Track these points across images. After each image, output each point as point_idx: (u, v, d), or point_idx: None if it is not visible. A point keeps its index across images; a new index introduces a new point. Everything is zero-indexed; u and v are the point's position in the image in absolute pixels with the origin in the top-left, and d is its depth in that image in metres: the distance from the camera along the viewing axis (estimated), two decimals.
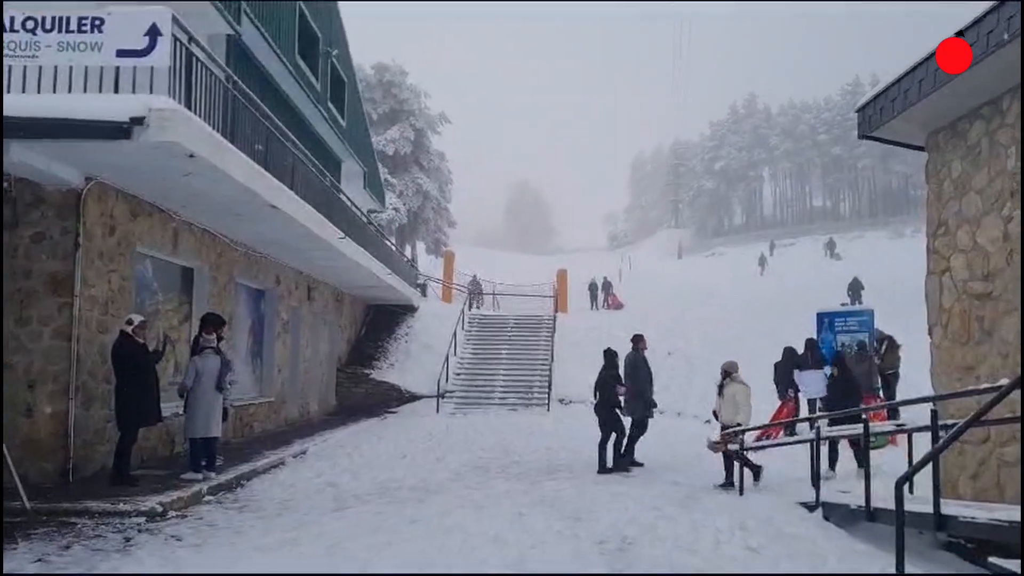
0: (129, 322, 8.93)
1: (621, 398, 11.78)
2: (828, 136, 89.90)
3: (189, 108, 8.46)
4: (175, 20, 8.23)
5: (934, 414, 5.43)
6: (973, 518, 4.90)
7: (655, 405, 12.35)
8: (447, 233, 45.25)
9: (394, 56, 43.32)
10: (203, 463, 9.41)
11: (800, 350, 15.15)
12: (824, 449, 9.87)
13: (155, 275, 11.34)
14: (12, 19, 7.95)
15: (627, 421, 11.80)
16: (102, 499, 7.73)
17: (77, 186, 8.91)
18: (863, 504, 6.62)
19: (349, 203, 18.43)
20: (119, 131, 7.55)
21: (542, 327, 25.46)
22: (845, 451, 11.35)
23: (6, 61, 7.94)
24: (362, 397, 21.76)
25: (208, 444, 9.54)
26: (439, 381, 20.82)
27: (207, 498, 8.71)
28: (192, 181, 9.36)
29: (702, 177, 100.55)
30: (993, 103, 6.94)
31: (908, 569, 4.74)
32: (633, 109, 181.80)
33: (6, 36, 7.89)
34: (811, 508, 7.80)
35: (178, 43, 8.45)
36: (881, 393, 14.60)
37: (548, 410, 19.55)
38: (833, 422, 9.73)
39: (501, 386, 21.48)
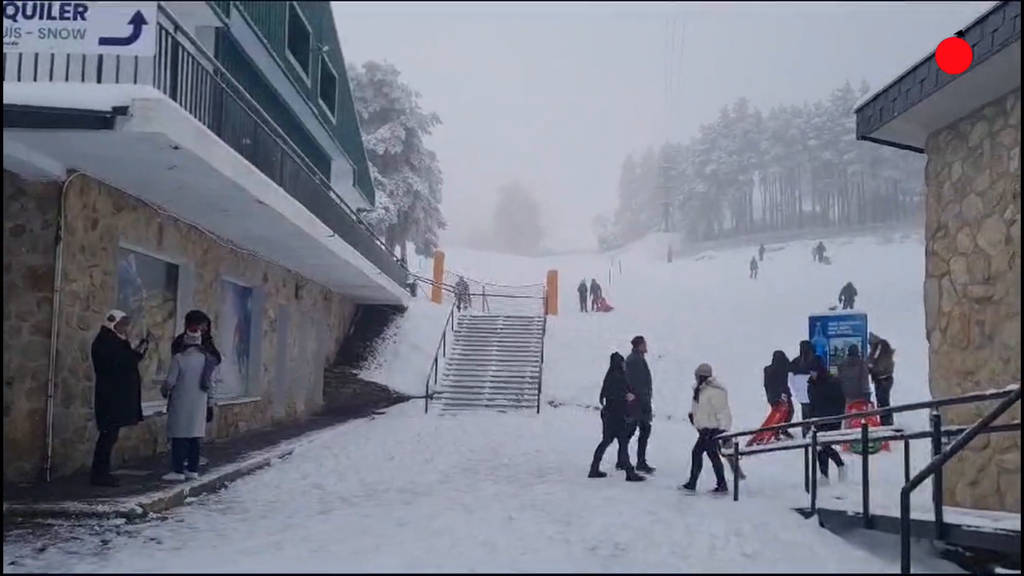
0: (111, 318, 8.72)
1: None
2: (818, 141, 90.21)
3: (175, 99, 8.25)
4: (160, 8, 8.02)
5: (936, 420, 5.29)
6: (978, 527, 4.76)
7: (649, 409, 12.20)
8: (437, 233, 44.99)
9: (386, 56, 43.14)
10: (186, 463, 9.19)
11: (790, 355, 15.11)
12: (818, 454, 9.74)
13: (139, 271, 11.12)
14: None
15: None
16: (80, 500, 7.51)
17: (59, 178, 8.68)
18: (860, 511, 6.50)
19: (339, 201, 18.23)
20: (102, 121, 7.33)
21: (532, 329, 25.32)
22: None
23: None
24: (350, 397, 21.56)
25: (191, 444, 9.32)
26: (428, 382, 20.66)
27: (189, 499, 8.50)
28: (177, 174, 9.15)
29: (693, 180, 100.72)
30: (996, 103, 6.82)
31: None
32: (626, 110, 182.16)
33: None
34: (807, 514, 7.68)
35: (164, 32, 8.24)
36: (875, 398, 14.53)
37: (538, 412, 19.40)
38: (818, 428, 9.60)
39: (490, 387, 21.31)
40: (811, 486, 8.02)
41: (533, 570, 5.74)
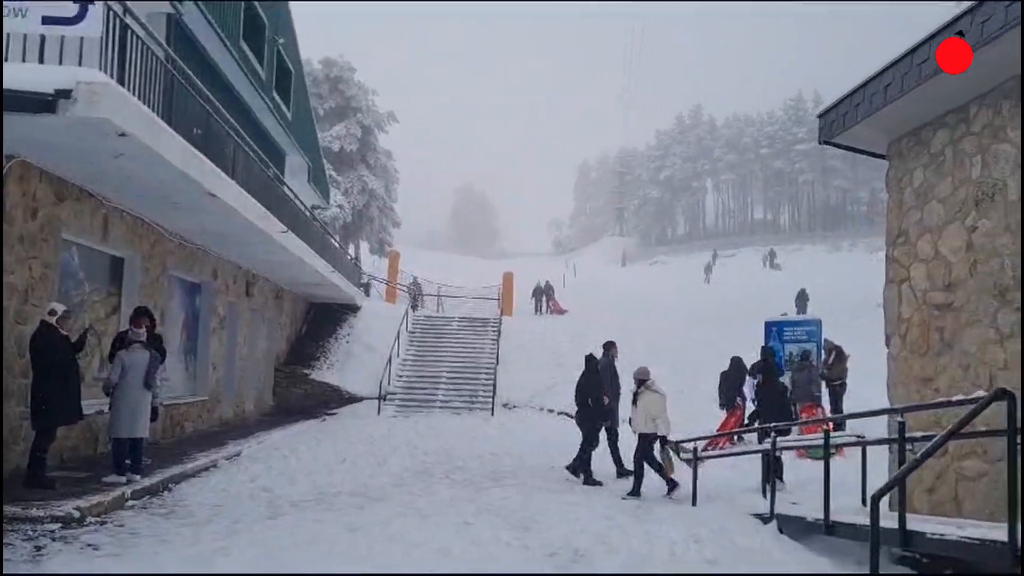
0: (52, 312, 8.31)
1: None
2: (770, 150, 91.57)
3: (122, 85, 7.89)
4: None
5: (901, 426, 5.26)
6: (942, 535, 4.71)
7: (616, 414, 12.08)
8: (392, 233, 44.50)
9: (342, 53, 42.52)
10: (128, 464, 8.80)
11: (747, 360, 15.16)
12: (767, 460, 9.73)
13: (81, 264, 10.68)
14: None
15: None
16: (14, 503, 7.10)
17: None
18: (819, 517, 6.46)
19: (293, 197, 17.85)
20: (43, 104, 6.97)
21: (487, 330, 25.13)
22: (790, 460, 11.27)
23: None
24: (301, 397, 21.16)
25: (134, 445, 8.93)
26: (381, 383, 20.35)
27: (131, 503, 8.14)
28: (124, 163, 8.78)
29: (647, 186, 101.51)
30: (958, 111, 6.84)
31: None
32: (584, 114, 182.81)
33: None
34: (765, 520, 7.63)
35: (112, 14, 7.89)
36: (827, 403, 14.67)
37: (492, 414, 19.21)
38: (767, 432, 9.59)
39: (444, 389, 21.04)
40: (770, 492, 7.98)
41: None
